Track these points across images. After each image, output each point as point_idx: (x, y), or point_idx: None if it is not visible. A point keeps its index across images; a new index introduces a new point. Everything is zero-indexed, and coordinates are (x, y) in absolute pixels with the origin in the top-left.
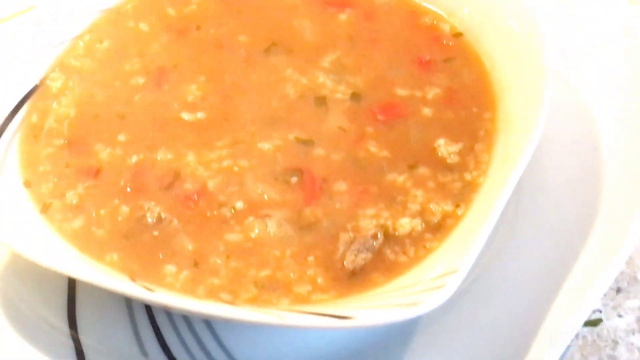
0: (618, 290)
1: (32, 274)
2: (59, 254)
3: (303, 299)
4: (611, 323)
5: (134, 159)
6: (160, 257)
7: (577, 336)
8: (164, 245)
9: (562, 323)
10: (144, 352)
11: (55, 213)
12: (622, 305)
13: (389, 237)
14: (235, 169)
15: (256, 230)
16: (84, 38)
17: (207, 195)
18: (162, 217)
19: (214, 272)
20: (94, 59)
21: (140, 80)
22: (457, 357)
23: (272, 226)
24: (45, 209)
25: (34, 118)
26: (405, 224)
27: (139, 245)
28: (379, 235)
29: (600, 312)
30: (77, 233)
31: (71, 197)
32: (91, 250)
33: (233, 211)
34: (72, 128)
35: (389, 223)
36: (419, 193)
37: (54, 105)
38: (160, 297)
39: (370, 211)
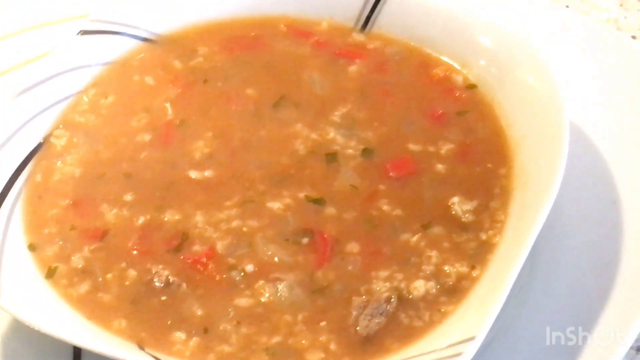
0: (638, 350)
1: (36, 341)
2: (65, 321)
3: None
4: None
5: (141, 220)
6: (169, 323)
7: None
8: (173, 311)
9: None
10: None
11: (60, 278)
12: None
13: (403, 300)
14: (245, 229)
15: (267, 295)
16: (89, 93)
17: (216, 257)
18: (171, 281)
19: (225, 339)
20: (98, 114)
21: (147, 137)
22: None
23: (283, 290)
24: (50, 273)
25: (38, 177)
26: (420, 287)
27: (147, 311)
28: (392, 299)
29: None
30: (83, 299)
31: (77, 260)
32: (98, 317)
33: (243, 274)
34: (78, 188)
35: (403, 286)
36: (434, 254)
37: (59, 164)
38: None
39: (384, 273)
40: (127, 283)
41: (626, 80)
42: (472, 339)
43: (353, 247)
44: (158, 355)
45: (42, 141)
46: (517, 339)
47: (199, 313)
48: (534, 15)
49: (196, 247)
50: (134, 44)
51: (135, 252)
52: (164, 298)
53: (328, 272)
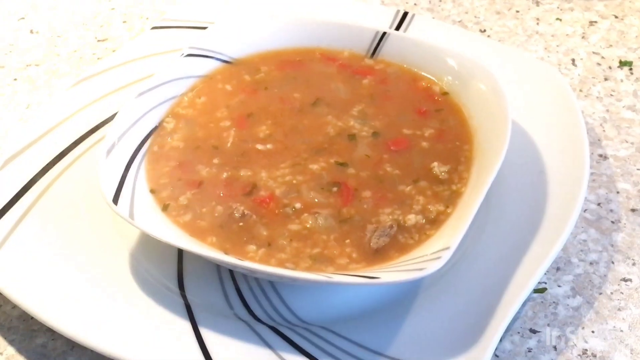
0: (557, 269)
1: (154, 251)
2: (175, 236)
3: (343, 268)
4: (553, 291)
5: (225, 175)
6: (245, 240)
7: (530, 299)
8: (247, 232)
9: (519, 290)
10: (230, 306)
11: (171, 211)
12: (561, 279)
13: (401, 227)
14: (294, 182)
15: (310, 223)
16: (188, 95)
17: (276, 199)
18: (245, 213)
19: (282, 249)
20: (195, 109)
21: (227, 123)
22: (447, 311)
23: (320, 220)
24: (165, 208)
25: (155, 148)
26: (412, 219)
27: (230, 232)
28: (394, 226)
29: (545, 283)
30: (187, 224)
31: (182, 200)
32: (197, 235)
33: (293, 210)
34: (182, 155)
35: (401, 218)
36: (421, 198)
37: (169, 139)
38: (246, 264)
39: (388, 210)
40: (216, 215)
41: (546, 94)
42: (447, 248)
43: (367, 193)
44: (238, 258)
45: (157, 125)
46: (475, 258)
47: (265, 234)
48: (483, 47)
49: (262, 193)
50: (218, 64)
51: (221, 194)
52: (241, 224)
53: (350, 209)
